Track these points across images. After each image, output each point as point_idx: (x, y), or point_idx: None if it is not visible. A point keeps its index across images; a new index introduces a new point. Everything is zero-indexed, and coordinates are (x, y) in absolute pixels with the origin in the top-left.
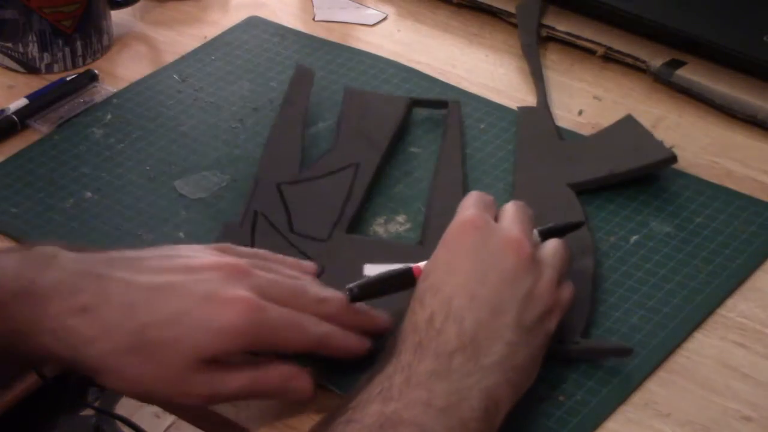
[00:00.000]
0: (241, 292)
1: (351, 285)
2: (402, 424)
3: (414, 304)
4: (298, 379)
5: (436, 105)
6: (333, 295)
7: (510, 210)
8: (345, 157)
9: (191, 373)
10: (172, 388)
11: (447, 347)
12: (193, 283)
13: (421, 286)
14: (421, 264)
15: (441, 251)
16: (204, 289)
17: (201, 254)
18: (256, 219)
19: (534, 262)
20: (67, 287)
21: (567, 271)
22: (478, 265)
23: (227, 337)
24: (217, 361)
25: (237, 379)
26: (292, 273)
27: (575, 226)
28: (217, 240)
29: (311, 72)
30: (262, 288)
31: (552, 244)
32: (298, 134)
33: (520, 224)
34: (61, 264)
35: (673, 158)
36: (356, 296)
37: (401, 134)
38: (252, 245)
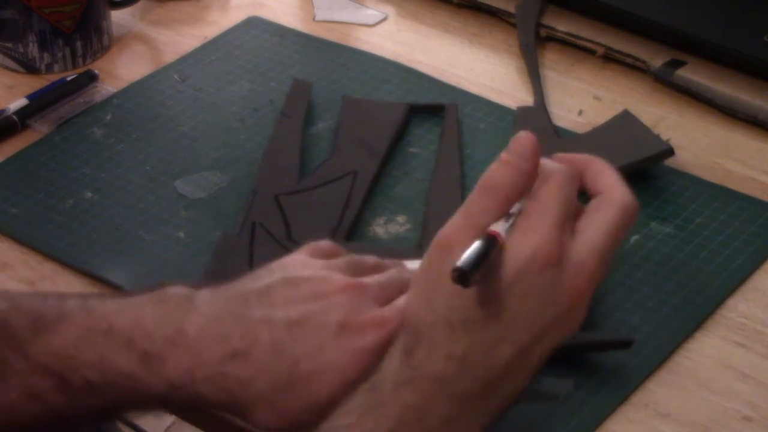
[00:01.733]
0: (369, 314)
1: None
2: None
3: (456, 313)
4: None
5: (433, 110)
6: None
7: (597, 226)
8: (343, 165)
9: (342, 397)
10: (326, 413)
11: (468, 392)
12: (326, 312)
13: (476, 310)
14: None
15: (517, 284)
16: (337, 319)
17: (316, 274)
18: (254, 230)
19: (583, 305)
20: (215, 334)
21: None
22: (532, 310)
23: (367, 357)
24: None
25: None
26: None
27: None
28: (216, 251)
29: (309, 84)
30: (378, 297)
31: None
32: (297, 146)
33: (599, 254)
34: (199, 309)
35: (671, 151)
36: (466, 275)
37: (400, 140)
38: (251, 256)
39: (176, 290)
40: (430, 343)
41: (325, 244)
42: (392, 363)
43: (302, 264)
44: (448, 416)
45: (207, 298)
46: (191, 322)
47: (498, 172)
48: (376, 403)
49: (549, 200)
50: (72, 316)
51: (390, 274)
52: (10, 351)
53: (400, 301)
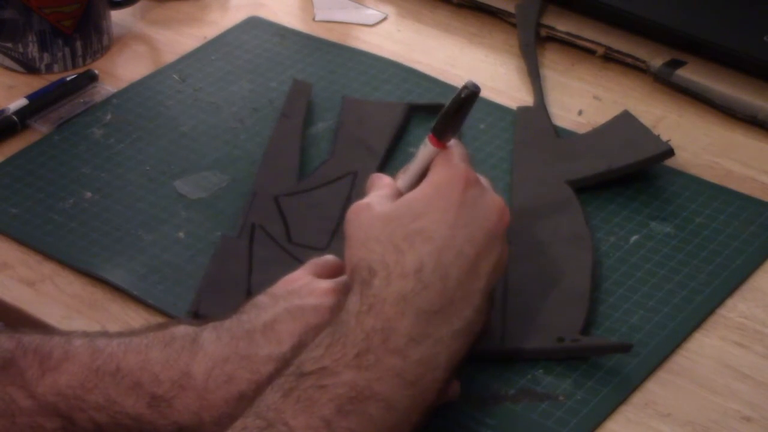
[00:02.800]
0: None
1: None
2: (372, 398)
3: (396, 235)
4: (455, 384)
5: (433, 110)
6: None
7: (484, 179)
8: (343, 165)
9: None
10: None
11: (430, 307)
12: None
13: (410, 224)
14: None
15: (433, 196)
16: None
17: (322, 303)
18: (253, 231)
19: (506, 230)
20: (221, 376)
21: None
22: (467, 221)
23: None
24: None
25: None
26: None
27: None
28: (215, 253)
29: (308, 85)
30: None
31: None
32: (297, 147)
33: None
34: (205, 350)
35: (670, 152)
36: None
37: (400, 140)
38: (250, 257)
39: (181, 330)
40: (385, 270)
41: (329, 259)
42: (353, 299)
43: (307, 289)
44: (412, 333)
45: (212, 339)
46: (198, 364)
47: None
48: (342, 333)
49: (457, 146)
50: (78, 356)
51: None
52: (18, 391)
53: None
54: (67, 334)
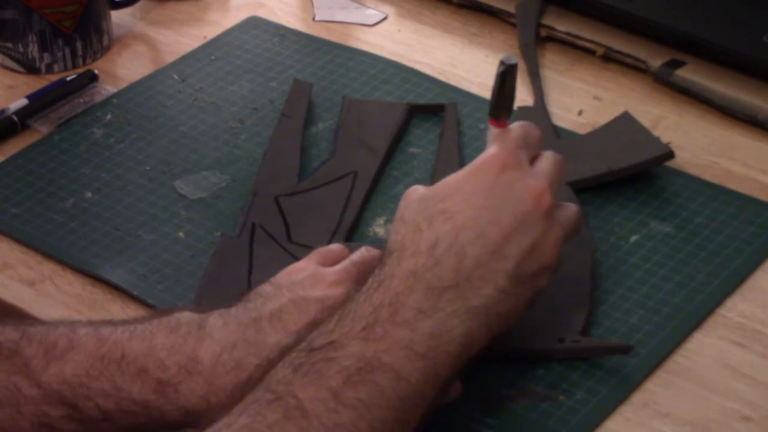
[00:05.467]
0: None
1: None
2: (380, 368)
3: (419, 215)
4: (456, 384)
5: (433, 110)
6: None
7: (547, 161)
8: (343, 165)
9: None
10: None
11: (441, 282)
12: None
13: (437, 205)
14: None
15: (465, 178)
16: None
17: (326, 294)
18: (254, 231)
19: (549, 216)
20: (229, 361)
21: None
22: (496, 203)
23: None
24: None
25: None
26: None
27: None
28: (215, 253)
29: (309, 85)
30: None
31: (570, 210)
32: (297, 147)
33: (550, 177)
34: (212, 335)
35: (671, 154)
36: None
37: (400, 140)
38: (251, 257)
39: (186, 316)
40: (400, 249)
41: (333, 248)
42: (367, 282)
43: (311, 279)
44: (423, 308)
45: (219, 325)
46: (204, 349)
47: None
48: (350, 309)
49: (511, 129)
50: (83, 344)
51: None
52: (23, 380)
53: None
54: (72, 324)
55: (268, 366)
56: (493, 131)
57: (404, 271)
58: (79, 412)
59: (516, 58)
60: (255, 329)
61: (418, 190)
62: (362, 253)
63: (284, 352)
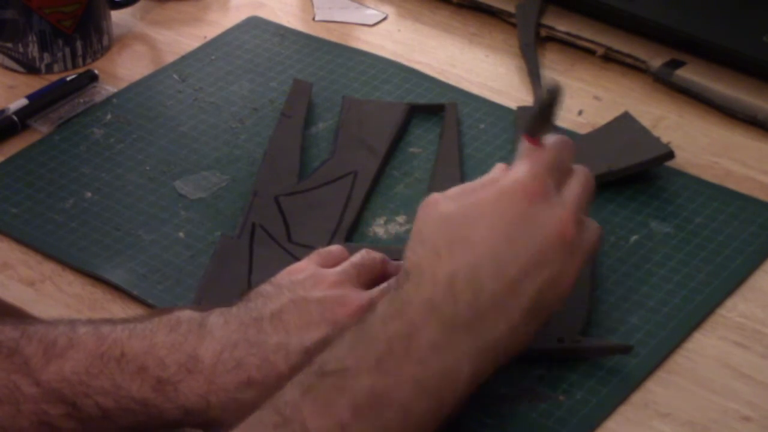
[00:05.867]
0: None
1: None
2: (389, 405)
3: (440, 239)
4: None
5: (433, 110)
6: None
7: (577, 184)
8: (343, 165)
9: None
10: None
11: (457, 319)
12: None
13: (458, 230)
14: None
15: (490, 204)
16: None
17: (327, 295)
18: (254, 231)
19: (571, 249)
20: (230, 360)
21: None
22: (519, 237)
23: None
24: None
25: None
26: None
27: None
28: (215, 253)
29: (309, 85)
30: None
31: (593, 233)
32: (297, 147)
33: (578, 204)
34: (213, 334)
35: (671, 154)
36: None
37: (400, 140)
38: (250, 257)
39: (186, 315)
40: (418, 275)
41: (333, 249)
42: (383, 304)
43: (311, 280)
44: (437, 342)
45: (220, 323)
46: (205, 348)
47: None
48: (366, 336)
49: (543, 150)
50: (83, 343)
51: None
52: (22, 378)
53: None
54: (71, 322)
55: (269, 367)
56: (525, 146)
57: (422, 300)
58: (78, 411)
59: (560, 86)
60: (256, 329)
61: (439, 204)
62: (362, 255)
63: (293, 370)
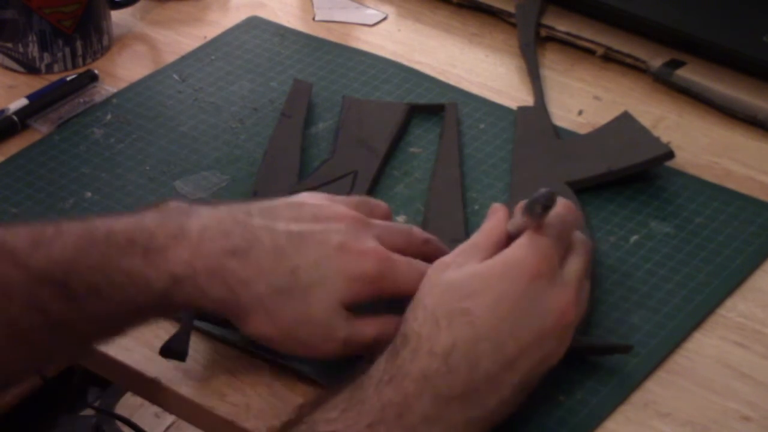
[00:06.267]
0: (370, 243)
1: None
2: None
3: (441, 308)
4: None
5: (433, 110)
6: (432, 236)
7: (577, 259)
8: (343, 165)
9: (334, 316)
10: (316, 330)
11: (450, 391)
12: (326, 232)
13: (460, 301)
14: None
15: (495, 278)
16: (338, 240)
17: (322, 202)
18: None
19: (568, 327)
20: (216, 231)
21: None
22: (520, 316)
23: (363, 284)
24: (350, 310)
25: (371, 327)
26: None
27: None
28: None
29: (309, 85)
30: (382, 237)
31: (584, 303)
32: (297, 147)
33: (579, 282)
34: (200, 213)
35: (671, 154)
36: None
37: (400, 140)
38: None
39: (175, 202)
40: (416, 342)
41: (372, 201)
42: (378, 365)
43: (308, 195)
44: (429, 415)
45: (207, 207)
46: (193, 222)
47: (498, 219)
48: (359, 399)
49: (548, 227)
50: (70, 230)
51: (397, 224)
52: (11, 267)
53: (404, 259)
54: (57, 220)
55: (253, 239)
56: (528, 223)
57: (417, 372)
58: (68, 290)
59: (551, 196)
60: (244, 214)
61: (445, 273)
62: (392, 223)
63: (277, 249)
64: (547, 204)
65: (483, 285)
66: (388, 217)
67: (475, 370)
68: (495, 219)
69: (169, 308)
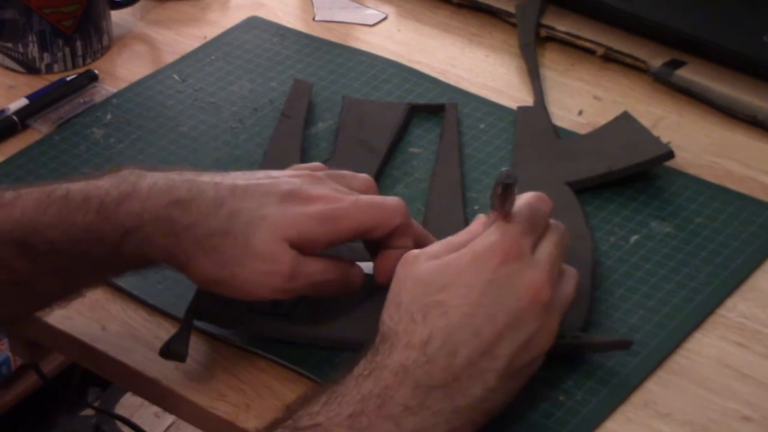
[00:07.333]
0: (320, 191)
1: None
2: None
3: (415, 304)
4: (355, 269)
5: (433, 110)
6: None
7: (550, 243)
8: (343, 165)
9: (277, 249)
10: (260, 265)
11: (430, 381)
12: (275, 184)
13: (433, 294)
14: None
15: (465, 267)
16: (288, 188)
17: (281, 173)
18: None
19: (546, 308)
20: (164, 185)
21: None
22: (493, 300)
23: (308, 222)
24: (298, 248)
25: (318, 263)
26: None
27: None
28: None
29: (309, 85)
30: (338, 189)
31: (568, 285)
32: (297, 147)
33: (552, 263)
34: (154, 175)
35: (671, 154)
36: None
37: (400, 140)
38: None
39: (129, 169)
40: (394, 338)
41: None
42: (359, 364)
43: (271, 171)
44: (410, 405)
45: (160, 173)
46: (145, 182)
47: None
48: (340, 393)
49: (516, 215)
50: (30, 194)
51: (358, 174)
52: None
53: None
54: (16, 186)
55: (197, 191)
56: (495, 209)
57: (395, 364)
58: (29, 248)
59: (516, 175)
60: (194, 174)
61: (415, 264)
62: (333, 172)
63: (221, 200)
64: (507, 182)
65: (454, 275)
66: (371, 189)
67: (454, 359)
68: (474, 224)
69: (122, 261)
